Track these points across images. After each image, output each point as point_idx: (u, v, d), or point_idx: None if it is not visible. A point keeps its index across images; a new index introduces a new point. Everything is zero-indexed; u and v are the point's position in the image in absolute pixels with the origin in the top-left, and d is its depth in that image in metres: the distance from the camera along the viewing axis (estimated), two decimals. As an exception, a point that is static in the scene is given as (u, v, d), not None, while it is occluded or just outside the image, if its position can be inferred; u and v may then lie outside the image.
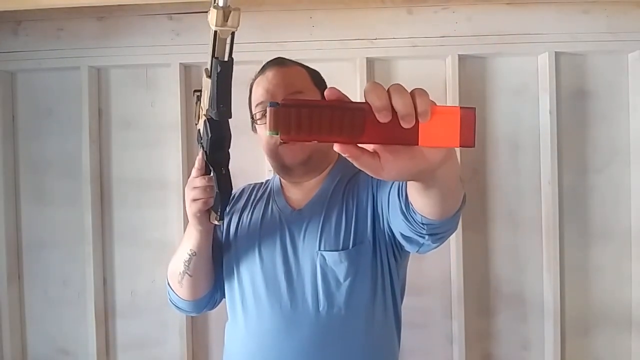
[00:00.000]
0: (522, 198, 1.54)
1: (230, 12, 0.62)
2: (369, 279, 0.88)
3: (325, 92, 0.45)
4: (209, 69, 0.69)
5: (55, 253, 1.61)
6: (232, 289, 0.97)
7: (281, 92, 0.92)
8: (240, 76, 1.55)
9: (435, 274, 1.53)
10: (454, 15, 1.51)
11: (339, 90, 0.45)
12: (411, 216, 0.70)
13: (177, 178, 1.53)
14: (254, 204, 1.03)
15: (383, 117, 0.43)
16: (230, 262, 0.98)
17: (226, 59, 0.68)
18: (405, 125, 0.44)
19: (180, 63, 1.53)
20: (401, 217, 0.73)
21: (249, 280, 0.93)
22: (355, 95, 1.49)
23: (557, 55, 1.50)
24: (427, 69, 1.54)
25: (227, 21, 0.62)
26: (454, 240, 1.49)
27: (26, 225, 1.63)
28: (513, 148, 1.55)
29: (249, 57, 1.51)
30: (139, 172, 1.59)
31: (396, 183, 0.75)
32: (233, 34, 0.66)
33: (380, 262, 0.89)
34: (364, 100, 0.44)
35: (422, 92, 0.44)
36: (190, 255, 0.92)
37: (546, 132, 1.50)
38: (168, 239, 1.56)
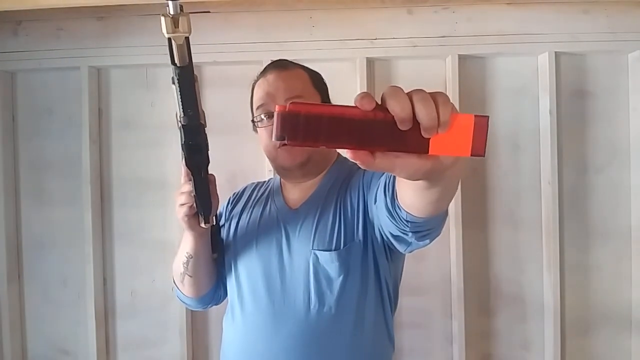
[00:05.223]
0: (522, 198, 1.54)
1: (179, 18, 0.64)
2: (359, 278, 0.89)
3: (356, 100, 0.43)
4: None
5: (55, 253, 1.62)
6: (231, 286, 1.00)
7: (281, 95, 0.92)
8: (241, 76, 1.58)
9: (435, 274, 1.53)
10: (454, 15, 1.51)
11: (369, 96, 0.43)
12: (396, 212, 0.70)
13: (177, 178, 1.52)
14: (254, 203, 1.06)
15: (404, 127, 0.41)
16: (230, 260, 1.01)
17: (184, 64, 0.69)
18: (427, 135, 0.42)
19: (180, 63, 1.53)
20: (386, 214, 0.73)
21: (246, 277, 0.96)
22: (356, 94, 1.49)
23: (557, 55, 1.51)
24: (427, 69, 1.54)
25: (177, 27, 0.64)
26: (454, 240, 1.49)
27: (26, 225, 1.63)
28: (513, 148, 1.55)
29: (249, 57, 1.52)
30: (138, 172, 1.60)
31: (383, 180, 0.74)
32: (187, 39, 0.67)
33: (371, 261, 0.90)
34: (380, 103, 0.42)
35: (445, 100, 0.42)
36: (187, 257, 0.95)
37: (546, 132, 1.50)
38: (168, 239, 1.56)
